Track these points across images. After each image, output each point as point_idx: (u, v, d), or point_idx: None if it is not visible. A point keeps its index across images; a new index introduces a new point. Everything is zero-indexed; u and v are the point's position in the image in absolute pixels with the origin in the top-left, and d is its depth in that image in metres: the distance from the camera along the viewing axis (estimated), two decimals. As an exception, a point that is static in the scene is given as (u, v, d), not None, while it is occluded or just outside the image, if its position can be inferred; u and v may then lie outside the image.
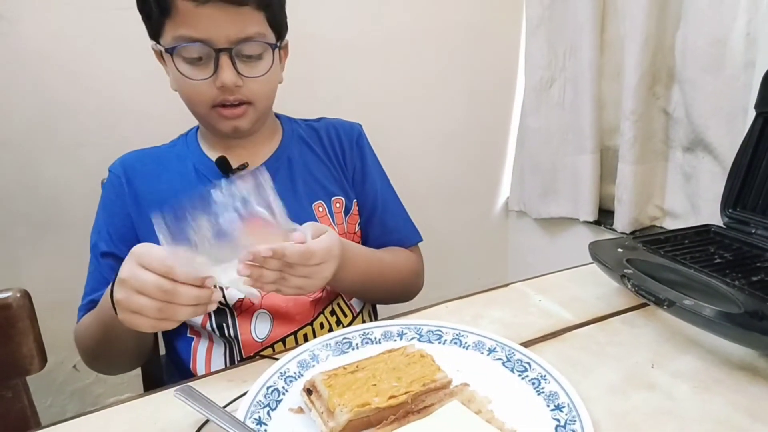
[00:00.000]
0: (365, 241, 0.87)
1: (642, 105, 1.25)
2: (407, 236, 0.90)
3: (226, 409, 0.49)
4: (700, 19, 1.12)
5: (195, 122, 0.85)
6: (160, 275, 0.51)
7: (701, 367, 0.57)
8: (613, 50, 1.37)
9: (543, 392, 0.51)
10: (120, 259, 0.71)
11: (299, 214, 0.79)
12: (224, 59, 0.68)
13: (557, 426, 0.47)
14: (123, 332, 0.61)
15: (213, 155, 0.79)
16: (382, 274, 0.80)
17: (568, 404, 0.49)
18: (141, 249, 0.54)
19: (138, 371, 0.92)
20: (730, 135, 1.11)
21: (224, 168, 0.77)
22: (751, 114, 0.83)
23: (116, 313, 0.55)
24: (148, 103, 1.21)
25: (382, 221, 0.88)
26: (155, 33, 0.71)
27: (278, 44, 0.74)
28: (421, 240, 0.92)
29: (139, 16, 0.71)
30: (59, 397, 1.30)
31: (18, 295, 0.55)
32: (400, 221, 0.90)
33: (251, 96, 0.73)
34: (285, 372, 0.55)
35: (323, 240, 0.61)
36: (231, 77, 0.69)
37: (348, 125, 0.90)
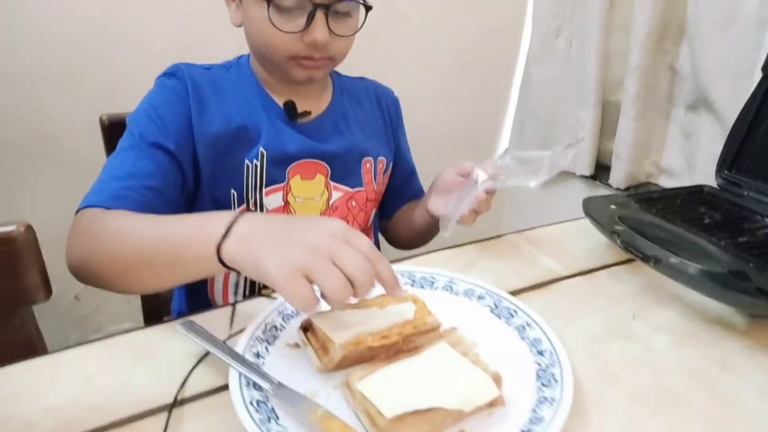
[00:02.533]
0: (399, 200, 0.93)
1: (648, 59, 1.23)
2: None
3: (226, 343, 0.52)
4: (716, -29, 1.09)
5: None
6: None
7: (680, 321, 0.60)
8: (623, 1, 1.33)
9: (527, 338, 0.54)
10: (174, 157, 0.69)
11: (349, 168, 0.81)
12: (320, 15, 0.66)
13: (538, 370, 0.50)
14: (199, 270, 0.53)
15: (275, 96, 0.77)
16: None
17: (550, 350, 0.51)
18: (346, 226, 0.48)
19: (138, 304, 0.95)
20: (734, 94, 1.10)
21: (291, 112, 0.76)
22: (758, 75, 0.82)
23: (225, 266, 0.48)
24: (146, 37, 1.18)
25: (412, 184, 0.95)
26: None
27: (367, 2, 0.72)
28: None
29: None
30: (61, 325, 1.35)
31: (22, 228, 0.56)
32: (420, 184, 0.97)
33: (335, 53, 0.72)
34: (283, 310, 0.57)
35: None
36: (324, 35, 0.67)
37: (390, 92, 0.93)
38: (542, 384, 0.48)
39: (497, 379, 0.46)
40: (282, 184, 0.76)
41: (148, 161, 0.67)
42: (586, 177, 1.50)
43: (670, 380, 0.51)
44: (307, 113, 0.77)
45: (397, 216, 0.94)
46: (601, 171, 1.48)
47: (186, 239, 0.52)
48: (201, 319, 0.56)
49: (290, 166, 0.76)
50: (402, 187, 0.93)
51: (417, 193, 0.94)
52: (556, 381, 0.47)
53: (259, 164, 0.74)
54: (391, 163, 0.89)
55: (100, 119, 0.85)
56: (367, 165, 0.83)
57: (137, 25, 1.18)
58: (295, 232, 0.47)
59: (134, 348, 0.55)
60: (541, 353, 0.52)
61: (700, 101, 1.20)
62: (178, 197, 0.72)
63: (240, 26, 0.73)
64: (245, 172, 0.74)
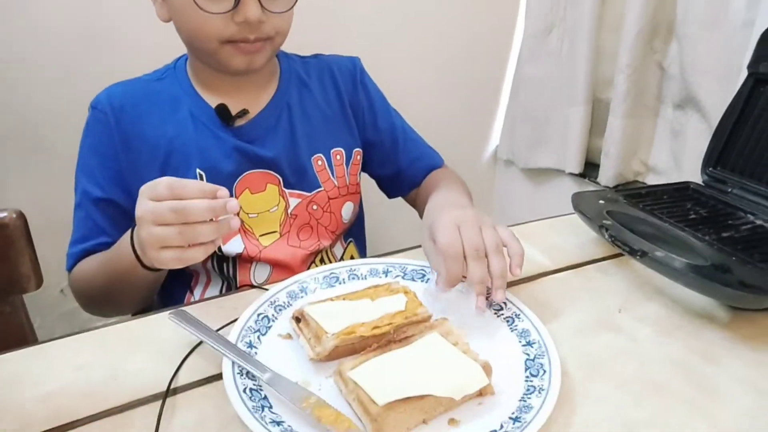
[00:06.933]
0: (396, 176, 0.87)
1: (638, 58, 1.25)
2: (434, 159, 0.89)
3: (218, 333, 0.52)
4: (705, -28, 1.10)
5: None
6: (170, 199, 0.51)
7: (664, 313, 0.61)
8: (615, 0, 1.35)
9: (516, 329, 0.55)
10: (117, 204, 0.71)
11: (299, 168, 0.76)
12: None
13: (527, 360, 0.51)
14: (139, 279, 0.62)
15: (209, 98, 0.73)
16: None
17: (539, 341, 0.52)
18: (147, 185, 0.53)
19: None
20: (720, 94, 1.11)
21: (224, 116, 0.71)
22: (744, 74, 0.84)
23: (137, 257, 0.58)
24: (138, 30, 1.17)
25: (407, 151, 0.86)
26: None
27: None
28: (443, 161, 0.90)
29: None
30: (47, 319, 1.33)
31: (14, 215, 0.56)
32: (423, 147, 0.89)
33: (272, 33, 0.66)
34: (275, 301, 0.57)
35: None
36: (255, 12, 0.61)
37: (346, 61, 0.85)
38: (531, 374, 0.49)
39: (487, 369, 0.46)
40: None
41: (96, 219, 0.71)
42: (575, 175, 1.51)
43: (654, 370, 0.52)
44: (244, 112, 0.73)
45: (417, 198, 0.87)
46: (590, 169, 1.49)
47: (118, 254, 0.63)
48: (192, 309, 0.56)
49: (236, 181, 0.72)
50: (404, 159, 0.85)
51: (424, 161, 0.86)
52: (544, 371, 0.48)
53: None
54: (356, 150, 0.83)
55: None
56: (319, 162, 0.78)
57: (129, 17, 1.17)
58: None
59: (126, 337, 0.56)
60: (529, 344, 0.52)
61: (687, 100, 1.22)
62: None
63: (168, 21, 0.68)
64: None
